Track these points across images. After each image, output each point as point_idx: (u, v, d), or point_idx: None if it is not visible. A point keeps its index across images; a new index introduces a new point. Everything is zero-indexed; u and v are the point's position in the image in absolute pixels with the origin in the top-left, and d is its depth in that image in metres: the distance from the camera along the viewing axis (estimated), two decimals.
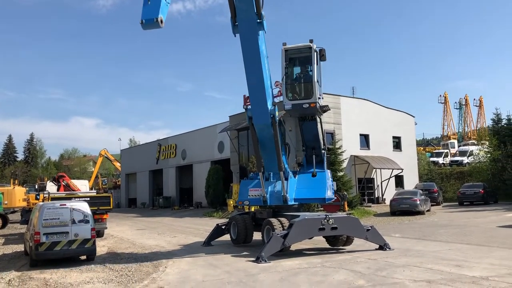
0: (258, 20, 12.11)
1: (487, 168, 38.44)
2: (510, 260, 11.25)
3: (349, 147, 32.59)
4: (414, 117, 40.43)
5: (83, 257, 13.11)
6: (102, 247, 16.25)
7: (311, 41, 14.89)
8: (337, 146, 30.87)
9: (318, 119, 15.79)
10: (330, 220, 13.00)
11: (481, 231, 18.14)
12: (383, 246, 13.72)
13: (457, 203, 33.52)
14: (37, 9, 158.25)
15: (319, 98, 15.00)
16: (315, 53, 14.76)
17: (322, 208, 23.77)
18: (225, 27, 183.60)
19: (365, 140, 35.24)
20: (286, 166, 15.00)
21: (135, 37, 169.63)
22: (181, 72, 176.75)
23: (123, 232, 23.12)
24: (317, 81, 14.79)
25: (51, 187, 26.14)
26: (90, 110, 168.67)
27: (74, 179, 34.96)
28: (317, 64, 14.85)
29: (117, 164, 65.45)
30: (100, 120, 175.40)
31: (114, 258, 13.87)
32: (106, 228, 19.96)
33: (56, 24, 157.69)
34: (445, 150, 56.52)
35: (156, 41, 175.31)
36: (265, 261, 11.88)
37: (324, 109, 15.61)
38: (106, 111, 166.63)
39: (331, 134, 32.16)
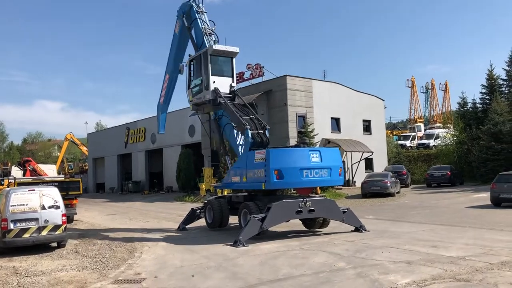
0: None
1: (453, 151, 39.46)
2: (483, 240, 11.50)
3: (320, 130, 32.73)
4: (384, 100, 40.96)
5: (54, 244, 12.64)
6: (73, 233, 15.74)
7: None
8: (309, 130, 30.95)
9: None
10: (308, 203, 12.96)
11: (452, 212, 18.59)
12: (359, 228, 13.83)
13: (425, 185, 34.33)
14: None
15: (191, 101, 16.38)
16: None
17: (295, 191, 23.80)
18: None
19: (336, 123, 35.47)
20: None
21: (102, 19, 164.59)
22: (149, 55, 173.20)
23: (93, 217, 22.55)
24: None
25: (16, 172, 25.15)
26: (55, 94, 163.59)
27: (39, 163, 33.78)
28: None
29: (84, 149, 63.78)
30: (66, 103, 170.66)
31: (86, 244, 13.46)
32: (75, 213, 19.41)
33: (19, 3, 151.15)
34: (412, 133, 57.73)
35: (124, 23, 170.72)
36: (243, 244, 11.76)
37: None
38: (72, 94, 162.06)
39: (303, 118, 32.23)
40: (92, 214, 24.88)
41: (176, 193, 38.64)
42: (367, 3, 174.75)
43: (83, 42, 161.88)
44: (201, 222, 16.23)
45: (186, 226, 16.11)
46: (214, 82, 15.24)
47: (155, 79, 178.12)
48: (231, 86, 15.54)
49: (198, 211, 16.28)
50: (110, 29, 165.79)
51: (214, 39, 15.91)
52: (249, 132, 14.05)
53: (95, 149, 57.99)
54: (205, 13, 16.57)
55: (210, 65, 15.29)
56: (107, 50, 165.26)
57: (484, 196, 22.44)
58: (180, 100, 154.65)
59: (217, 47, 15.39)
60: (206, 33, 15.96)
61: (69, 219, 18.02)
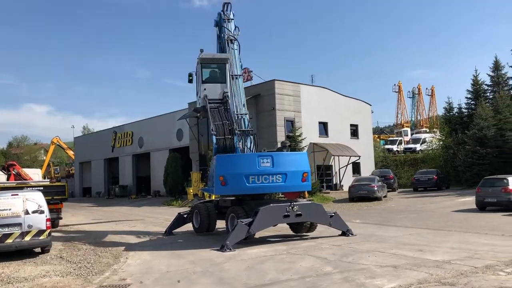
0: None
1: (439, 155, 39.85)
2: (468, 244, 11.59)
3: (308, 134, 32.82)
4: (371, 105, 41.23)
5: (38, 250, 12.45)
6: (57, 238, 15.54)
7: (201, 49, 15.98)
8: (297, 134, 31.04)
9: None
10: (295, 207, 12.94)
11: (438, 216, 18.74)
12: (346, 232, 13.85)
13: (412, 189, 34.56)
14: None
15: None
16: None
17: (283, 196, 23.81)
18: (188, 13, 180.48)
19: (324, 128, 35.60)
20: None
21: (93, 23, 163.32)
22: (139, 59, 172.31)
23: (79, 222, 22.32)
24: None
25: (0, 176, 24.78)
26: (43, 97, 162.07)
27: (24, 167, 33.33)
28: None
29: (70, 152, 63.16)
30: (53, 107, 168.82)
31: (71, 249, 13.29)
32: (61, 218, 19.13)
33: (9, 7, 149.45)
34: (399, 138, 58.19)
35: (115, 27, 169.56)
36: (230, 249, 11.70)
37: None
38: (60, 98, 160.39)
39: (291, 122, 32.31)
40: (78, 218, 24.60)
41: (163, 197, 38.41)
42: (355, 10, 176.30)
43: (73, 45, 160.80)
44: (188, 226, 16.13)
45: (173, 231, 16.01)
46: (205, 89, 15.50)
47: (145, 82, 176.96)
48: (223, 92, 15.58)
49: (185, 215, 16.19)
50: (100, 32, 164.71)
51: (236, 46, 16.36)
52: (214, 137, 14.10)
53: (82, 153, 57.48)
54: (231, 20, 16.89)
55: (201, 73, 15.67)
56: (97, 53, 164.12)
57: (469, 200, 22.67)
58: (168, 104, 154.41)
59: (204, 55, 15.70)
60: (227, 40, 16.29)
61: (54, 224, 17.79)
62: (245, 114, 15.29)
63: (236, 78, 15.95)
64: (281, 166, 13.23)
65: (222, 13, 16.91)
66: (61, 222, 19.81)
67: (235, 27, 16.93)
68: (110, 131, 52.30)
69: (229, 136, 14.23)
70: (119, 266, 10.56)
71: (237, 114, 15.18)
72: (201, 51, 15.83)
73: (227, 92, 15.63)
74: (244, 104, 15.48)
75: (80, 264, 10.87)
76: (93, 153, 54.27)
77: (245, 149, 14.74)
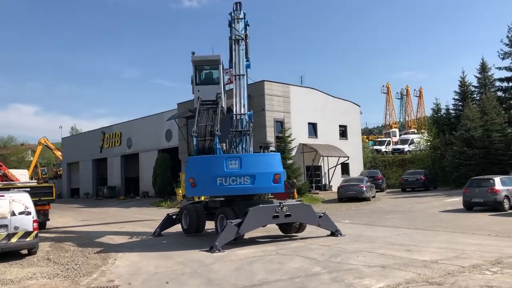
0: None
1: (427, 156, 40.19)
2: (455, 244, 11.71)
3: (298, 135, 32.90)
4: (359, 106, 41.45)
5: (25, 251, 12.31)
6: (44, 240, 15.39)
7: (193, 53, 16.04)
8: (286, 134, 31.10)
9: None
10: (284, 208, 12.97)
11: (425, 216, 18.89)
12: (334, 233, 13.91)
13: (400, 189, 34.82)
14: None
15: None
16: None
17: (272, 196, 23.84)
18: (178, 14, 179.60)
19: (313, 128, 35.69)
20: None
21: (81, 22, 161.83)
22: (128, 59, 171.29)
23: (66, 223, 22.12)
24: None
25: None
26: (30, 97, 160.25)
27: (11, 168, 32.93)
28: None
29: (58, 153, 62.61)
30: (40, 107, 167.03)
31: (58, 251, 13.17)
32: (48, 219, 18.98)
33: None
34: (388, 139, 58.59)
35: (103, 27, 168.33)
36: (219, 250, 11.68)
37: None
38: (47, 98, 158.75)
39: (281, 123, 32.34)
40: (66, 220, 24.38)
41: (152, 198, 38.22)
42: (344, 10, 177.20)
43: (61, 45, 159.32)
44: (177, 227, 16.07)
45: (162, 232, 15.92)
46: (199, 91, 15.58)
47: (134, 83, 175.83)
48: (217, 93, 15.56)
49: (174, 216, 16.13)
50: (88, 32, 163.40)
51: (242, 46, 16.38)
52: (195, 139, 14.10)
53: (70, 153, 57.00)
54: (241, 20, 16.87)
55: (195, 75, 15.78)
56: (85, 53, 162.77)
57: (457, 201, 22.90)
58: (157, 105, 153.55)
59: (196, 57, 15.77)
60: (234, 40, 16.40)
61: (42, 225, 17.62)
62: (244, 114, 15.21)
63: (239, 78, 15.87)
64: (249, 168, 13.20)
65: (232, 13, 16.94)
66: (48, 223, 19.64)
67: (245, 25, 16.93)
68: (99, 132, 51.93)
69: (210, 138, 14.15)
70: (107, 267, 10.49)
71: (235, 114, 15.17)
72: (193, 53, 15.84)
73: (220, 93, 15.61)
74: (244, 105, 15.41)
75: (68, 266, 10.77)
76: (81, 154, 53.84)
77: (240, 150, 14.66)
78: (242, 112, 15.15)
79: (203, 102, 15.31)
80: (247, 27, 17.14)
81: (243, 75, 15.99)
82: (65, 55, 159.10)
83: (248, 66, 16.76)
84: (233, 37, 16.41)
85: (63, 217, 25.77)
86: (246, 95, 15.71)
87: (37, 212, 12.81)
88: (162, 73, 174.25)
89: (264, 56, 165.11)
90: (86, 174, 52.92)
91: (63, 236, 17.07)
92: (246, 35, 16.77)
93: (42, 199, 17.74)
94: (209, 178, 13.07)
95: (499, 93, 39.81)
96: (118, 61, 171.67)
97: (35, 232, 11.95)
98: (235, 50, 16.23)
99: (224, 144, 14.28)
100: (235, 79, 15.92)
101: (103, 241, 15.03)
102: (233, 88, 16.42)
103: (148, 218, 23.36)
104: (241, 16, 16.98)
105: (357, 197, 27.44)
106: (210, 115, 14.91)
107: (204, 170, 13.35)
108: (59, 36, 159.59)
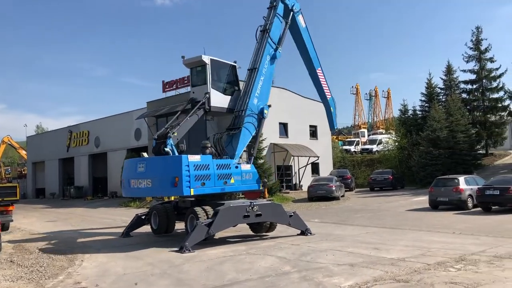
0: None
1: (395, 156, 41.07)
2: (421, 242, 11.99)
3: (269, 135, 32.97)
4: None
5: None
6: (7, 241, 14.91)
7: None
8: None
9: None
10: (255, 207, 13.01)
11: (393, 215, 19.28)
12: (304, 232, 14.04)
13: (368, 188, 35.44)
14: None
15: None
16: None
17: (243, 195, 23.82)
18: (149, 11, 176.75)
19: (284, 128, 35.91)
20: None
21: (48, 18, 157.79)
22: (96, 57, 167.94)
23: (31, 224, 21.48)
24: None
25: None
26: None
27: None
28: None
29: (23, 152, 60.90)
30: (4, 105, 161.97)
31: (22, 253, 12.76)
32: (12, 220, 18.33)
33: None
34: (356, 139, 59.55)
35: (70, 23, 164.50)
36: (189, 250, 11.59)
37: None
38: (11, 96, 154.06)
39: None
40: (31, 220, 23.69)
41: (121, 198, 37.52)
42: (313, 9, 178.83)
43: (27, 41, 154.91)
44: (147, 228, 15.86)
45: (131, 233, 15.67)
46: (193, 92, 15.55)
47: (102, 81, 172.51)
48: (205, 94, 15.42)
49: (143, 217, 15.91)
50: (54, 28, 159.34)
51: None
52: (154, 141, 14.14)
53: (35, 152, 55.42)
54: (275, 8, 16.73)
55: (190, 76, 15.92)
56: (51, 50, 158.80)
57: (423, 200, 23.47)
58: (126, 103, 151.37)
59: (185, 60, 15.64)
60: (262, 31, 16.38)
61: (5, 226, 17.07)
62: (242, 110, 15.12)
63: (252, 71, 15.78)
64: (151, 171, 13.24)
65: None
66: (12, 224, 19.01)
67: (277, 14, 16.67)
68: (65, 130, 50.69)
69: (163, 140, 14.03)
70: (74, 269, 10.24)
71: (235, 111, 15.28)
72: (183, 57, 15.76)
73: (208, 92, 15.48)
74: (245, 102, 15.30)
75: (32, 268, 10.46)
76: (47, 153, 52.44)
77: (230, 148, 14.61)
78: (242, 109, 15.13)
79: (195, 103, 15.21)
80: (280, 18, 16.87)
81: (256, 68, 15.80)
82: (31, 52, 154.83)
83: (270, 57, 16.38)
84: (261, 28, 16.29)
85: (27, 218, 25.05)
86: (256, 90, 15.68)
87: (0, 213, 12.41)
88: (132, 71, 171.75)
89: (231, 54, 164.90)
90: (52, 174, 51.57)
91: (28, 237, 16.57)
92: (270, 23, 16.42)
93: (5, 199, 17.15)
94: (127, 180, 13.80)
95: (464, 95, 41.11)
96: (87, 58, 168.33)
97: None
98: (262, 39, 16.16)
99: (183, 145, 14.12)
100: (250, 72, 15.94)
101: (69, 242, 14.67)
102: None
103: (116, 218, 22.97)
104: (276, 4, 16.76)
105: (327, 197, 27.78)
106: (182, 117, 14.84)
107: (125, 172, 14.30)
108: (24, 32, 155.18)
